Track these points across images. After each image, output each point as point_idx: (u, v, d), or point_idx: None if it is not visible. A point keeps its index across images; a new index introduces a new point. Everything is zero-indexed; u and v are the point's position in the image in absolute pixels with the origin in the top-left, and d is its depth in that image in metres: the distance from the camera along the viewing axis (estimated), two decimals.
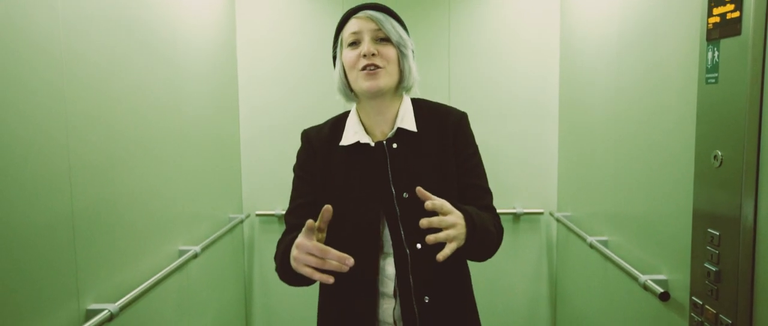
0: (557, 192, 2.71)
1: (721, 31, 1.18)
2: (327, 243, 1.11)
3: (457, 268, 1.29)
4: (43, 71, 1.21)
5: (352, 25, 1.23)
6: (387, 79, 1.21)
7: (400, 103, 1.30)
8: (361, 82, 1.21)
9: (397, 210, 1.21)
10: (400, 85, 1.27)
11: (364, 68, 1.20)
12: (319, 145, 1.29)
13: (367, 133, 1.28)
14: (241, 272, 2.78)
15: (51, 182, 1.23)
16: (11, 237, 1.10)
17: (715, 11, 1.21)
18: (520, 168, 2.71)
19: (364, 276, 1.21)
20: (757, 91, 1.09)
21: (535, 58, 2.67)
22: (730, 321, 1.17)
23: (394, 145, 1.25)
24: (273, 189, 2.76)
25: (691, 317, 1.33)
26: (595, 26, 2.10)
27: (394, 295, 1.24)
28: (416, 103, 1.33)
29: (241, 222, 2.68)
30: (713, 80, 1.22)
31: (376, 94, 1.22)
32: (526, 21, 2.66)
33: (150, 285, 1.63)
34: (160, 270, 1.74)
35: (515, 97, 2.69)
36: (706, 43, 1.24)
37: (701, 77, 1.26)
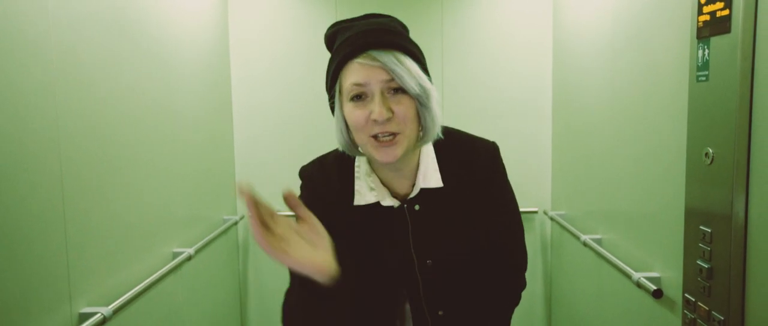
0: (551, 191, 2.72)
1: (711, 29, 1.19)
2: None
3: (477, 316, 1.13)
4: (34, 72, 1.20)
5: (355, 72, 0.93)
6: (405, 144, 0.96)
7: (420, 155, 1.06)
8: (372, 152, 0.96)
9: (419, 278, 1.07)
10: (420, 139, 1.01)
11: (375, 135, 0.94)
12: (329, 198, 1.07)
13: (388, 190, 1.07)
14: (235, 274, 2.78)
15: (42, 184, 1.22)
16: (2, 240, 1.09)
17: (705, 9, 1.21)
18: (513, 167, 2.68)
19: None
20: (747, 88, 1.10)
21: (529, 58, 2.67)
22: (722, 318, 1.17)
23: (416, 207, 1.05)
24: (267, 191, 2.73)
25: (683, 314, 1.33)
26: (588, 25, 2.11)
27: None
28: (439, 146, 1.08)
29: (236, 223, 2.67)
30: (704, 78, 1.22)
31: (392, 162, 0.98)
32: (519, 21, 2.66)
33: (143, 288, 1.62)
34: (154, 273, 1.73)
35: (508, 96, 2.69)
36: (696, 41, 1.25)
37: (692, 75, 1.27)
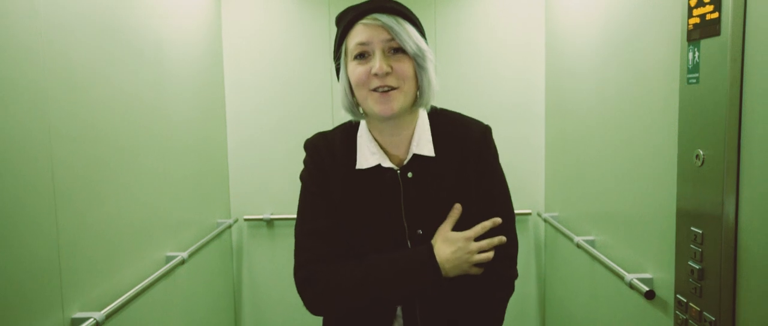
0: (544, 193, 2.73)
1: (702, 31, 1.20)
2: None
3: (469, 306, 1.16)
4: (26, 74, 1.20)
5: (359, 33, 1.03)
6: (402, 100, 1.04)
7: (416, 120, 1.13)
8: (371, 105, 1.05)
9: (409, 246, 1.11)
10: (417, 100, 1.10)
11: (376, 88, 1.03)
12: (332, 166, 1.13)
13: (386, 154, 1.13)
14: (229, 278, 2.77)
15: (34, 188, 1.21)
16: None
17: (696, 12, 1.22)
18: (507, 169, 2.69)
19: (372, 311, 1.13)
20: (737, 90, 1.11)
21: (521, 61, 2.68)
22: (714, 318, 1.18)
23: (409, 175, 1.10)
24: (261, 194, 2.74)
25: (675, 315, 1.34)
26: (580, 29, 2.13)
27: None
28: (435, 118, 1.16)
29: (229, 227, 2.66)
30: (694, 80, 1.23)
31: (390, 118, 1.07)
32: (512, 24, 2.67)
33: (136, 292, 1.61)
34: (147, 277, 1.72)
35: (501, 99, 2.70)
36: (686, 43, 1.26)
37: (682, 77, 1.28)
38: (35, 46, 1.24)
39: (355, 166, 1.12)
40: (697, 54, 1.22)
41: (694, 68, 1.23)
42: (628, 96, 1.68)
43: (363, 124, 1.16)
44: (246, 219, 2.76)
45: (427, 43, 1.09)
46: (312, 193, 1.14)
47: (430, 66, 1.07)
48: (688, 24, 1.25)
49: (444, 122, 1.15)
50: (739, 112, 1.12)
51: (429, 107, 1.15)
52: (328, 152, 1.15)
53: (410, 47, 1.03)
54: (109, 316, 1.42)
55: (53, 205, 1.28)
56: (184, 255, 1.99)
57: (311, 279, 1.08)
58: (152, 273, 1.76)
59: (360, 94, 1.06)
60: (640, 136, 1.59)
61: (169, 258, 1.94)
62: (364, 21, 1.03)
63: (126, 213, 1.64)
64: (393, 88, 1.03)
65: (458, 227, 1.10)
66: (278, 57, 2.69)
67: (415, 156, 1.11)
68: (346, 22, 1.06)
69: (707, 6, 1.18)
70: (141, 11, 1.78)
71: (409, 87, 1.05)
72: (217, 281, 2.58)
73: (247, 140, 2.73)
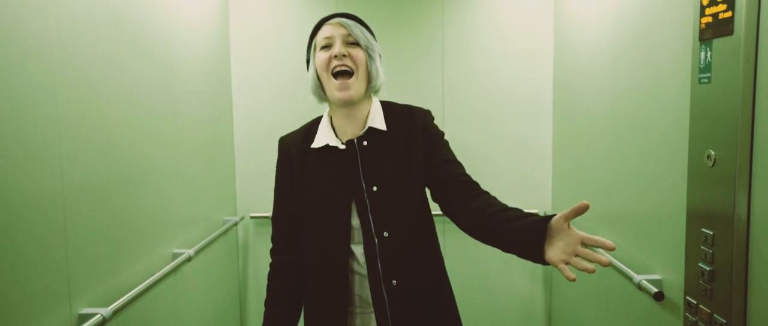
0: (552, 193, 2.71)
1: (714, 31, 1.19)
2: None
3: (426, 255, 1.39)
4: (35, 73, 1.20)
5: (325, 30, 1.33)
6: (358, 87, 1.31)
7: (370, 105, 1.39)
8: (334, 92, 1.31)
9: (367, 202, 1.31)
10: (369, 87, 1.35)
11: (335, 69, 1.30)
12: (294, 151, 1.40)
13: (338, 135, 1.38)
14: (235, 275, 2.77)
15: (43, 184, 1.22)
16: (2, 241, 1.09)
17: (708, 11, 1.21)
18: (514, 168, 2.71)
19: (337, 260, 1.33)
20: (750, 90, 1.10)
21: (529, 60, 2.67)
22: (725, 321, 1.17)
23: (365, 143, 1.34)
24: (267, 191, 2.71)
25: (685, 317, 1.33)
26: (589, 27, 2.11)
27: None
28: (384, 104, 1.42)
29: (236, 224, 2.67)
30: (706, 80, 1.22)
31: (348, 104, 1.32)
32: (520, 23, 2.66)
33: (143, 288, 1.62)
34: (154, 274, 1.72)
35: (509, 98, 2.69)
36: (699, 43, 1.25)
37: (694, 77, 1.27)
38: (45, 45, 1.24)
39: (311, 146, 1.39)
40: (709, 53, 1.21)
41: (706, 68, 1.22)
42: (638, 95, 1.67)
43: (326, 112, 1.44)
44: (252, 217, 2.77)
45: (376, 41, 1.38)
46: (277, 183, 1.45)
47: (378, 58, 1.35)
48: (700, 23, 1.24)
49: (392, 108, 1.42)
50: (751, 112, 1.11)
51: (379, 94, 1.41)
52: (291, 141, 1.44)
53: (362, 40, 1.32)
54: (116, 312, 1.43)
55: (62, 202, 1.28)
56: (191, 252, 2.00)
57: (269, 276, 1.47)
58: (159, 270, 1.77)
59: (324, 77, 1.33)
60: (650, 135, 1.58)
61: (175, 255, 1.94)
62: (329, 22, 1.35)
63: (133, 210, 1.64)
64: (349, 72, 1.30)
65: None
66: (285, 56, 2.69)
67: (370, 128, 1.36)
68: (316, 24, 1.38)
69: (720, 5, 1.17)
70: (149, 11, 1.78)
71: (362, 73, 1.32)
72: (223, 278, 2.58)
73: (254, 138, 2.73)
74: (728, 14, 1.14)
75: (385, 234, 1.31)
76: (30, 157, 1.18)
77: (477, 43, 2.68)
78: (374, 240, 1.31)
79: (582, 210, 1.05)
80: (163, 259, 1.87)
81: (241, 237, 2.81)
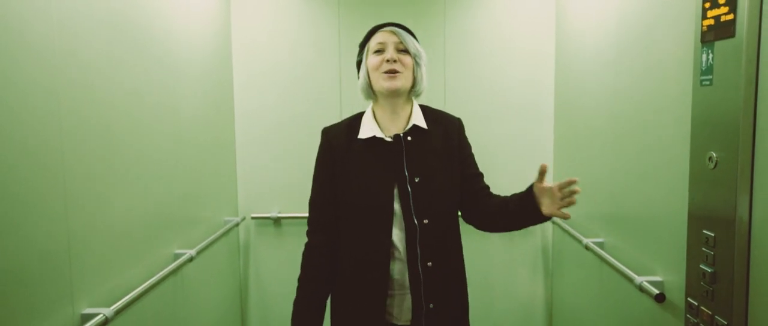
0: None
1: (716, 33, 1.19)
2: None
3: (454, 241, 1.55)
4: (38, 73, 1.20)
5: (379, 36, 1.48)
6: (404, 81, 1.46)
7: (412, 106, 1.55)
8: (382, 82, 1.45)
9: (409, 190, 1.45)
10: (413, 89, 1.52)
11: (386, 71, 1.45)
12: (337, 141, 1.52)
13: (382, 130, 1.51)
14: (236, 275, 2.77)
15: (45, 185, 1.22)
16: (5, 241, 1.09)
17: (710, 14, 1.21)
18: (515, 170, 2.71)
19: (380, 243, 1.45)
20: (752, 92, 1.10)
21: (531, 61, 2.67)
22: (726, 323, 1.17)
23: (409, 138, 1.49)
24: (268, 192, 2.75)
25: (686, 318, 1.33)
26: (591, 29, 2.11)
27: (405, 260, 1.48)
28: (424, 108, 1.58)
29: (237, 225, 2.67)
30: (708, 82, 1.22)
31: (394, 94, 1.46)
32: (522, 24, 2.66)
33: (145, 289, 1.62)
34: (155, 274, 1.72)
35: (511, 100, 2.69)
36: (700, 45, 1.25)
37: (696, 79, 1.27)
38: (47, 46, 1.24)
39: (357, 136, 1.51)
40: (710, 55, 1.21)
41: (708, 70, 1.22)
42: (639, 97, 1.67)
43: (370, 108, 1.56)
44: (253, 218, 2.77)
45: (423, 51, 1.54)
46: (317, 172, 1.55)
47: (424, 65, 1.52)
48: (702, 25, 1.24)
49: (430, 111, 1.59)
50: (753, 114, 1.11)
51: (420, 97, 1.56)
52: (334, 132, 1.55)
53: (412, 49, 1.49)
54: (118, 312, 1.43)
55: (64, 202, 1.29)
56: (192, 252, 2.00)
57: (304, 254, 1.57)
58: (160, 270, 1.77)
59: (374, 76, 1.48)
60: (652, 137, 1.58)
61: (177, 256, 1.95)
62: (383, 30, 1.50)
63: (135, 211, 1.65)
64: (398, 72, 1.45)
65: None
66: (287, 56, 2.70)
67: (413, 126, 1.51)
68: (371, 30, 1.53)
69: (722, 7, 1.17)
70: (151, 12, 1.78)
71: (408, 74, 1.48)
72: (225, 278, 2.58)
73: (256, 139, 2.73)
74: (730, 17, 1.14)
75: (425, 221, 1.44)
76: (32, 157, 1.18)
77: (478, 45, 2.68)
78: (415, 225, 1.44)
79: (543, 171, 1.40)
80: (165, 260, 1.87)
81: (243, 237, 2.81)
